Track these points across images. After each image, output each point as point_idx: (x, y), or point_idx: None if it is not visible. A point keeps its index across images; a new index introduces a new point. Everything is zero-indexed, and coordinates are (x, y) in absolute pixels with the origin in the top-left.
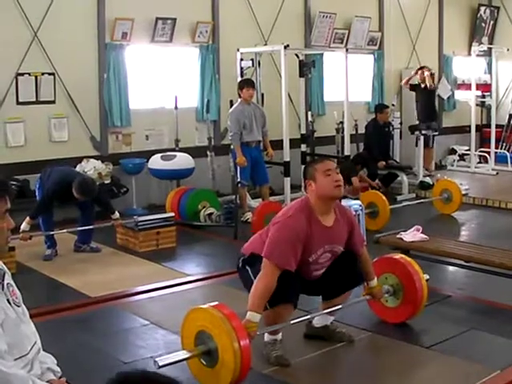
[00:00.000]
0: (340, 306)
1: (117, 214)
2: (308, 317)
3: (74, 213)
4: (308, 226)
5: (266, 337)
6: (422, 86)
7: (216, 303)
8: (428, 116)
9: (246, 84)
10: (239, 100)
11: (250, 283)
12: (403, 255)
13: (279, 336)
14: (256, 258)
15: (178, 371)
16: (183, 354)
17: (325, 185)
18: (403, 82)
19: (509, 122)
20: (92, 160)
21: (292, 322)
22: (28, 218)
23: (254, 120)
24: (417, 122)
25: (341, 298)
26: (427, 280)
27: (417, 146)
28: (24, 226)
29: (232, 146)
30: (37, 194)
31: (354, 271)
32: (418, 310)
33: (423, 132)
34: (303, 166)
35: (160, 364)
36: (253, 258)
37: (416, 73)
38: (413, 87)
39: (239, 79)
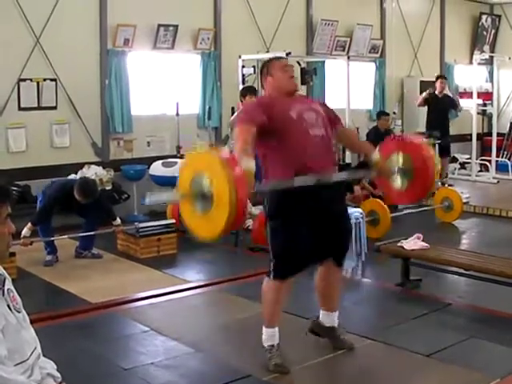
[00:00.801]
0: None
1: (118, 221)
2: None
3: (75, 219)
4: (269, 98)
5: (264, 341)
6: (440, 96)
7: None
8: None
9: (249, 91)
10: (241, 108)
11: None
12: (419, 136)
13: (276, 339)
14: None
15: (176, 372)
16: (176, 194)
17: (281, 78)
18: (418, 102)
19: (510, 130)
20: (93, 166)
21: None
22: (29, 224)
23: None
24: (418, 131)
25: (332, 282)
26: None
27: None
28: (25, 231)
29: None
30: (38, 203)
31: (343, 249)
32: (427, 192)
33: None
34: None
35: (150, 199)
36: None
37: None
38: (426, 101)
39: (241, 86)
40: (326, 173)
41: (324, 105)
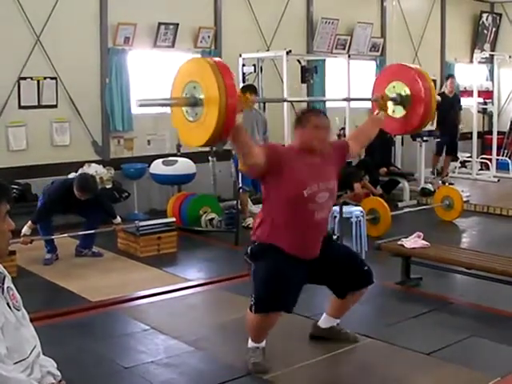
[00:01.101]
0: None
1: (118, 219)
2: None
3: (75, 218)
4: (292, 153)
5: (250, 343)
6: (450, 95)
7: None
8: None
9: (249, 90)
10: None
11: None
12: (417, 66)
13: (263, 344)
14: (260, 251)
15: (177, 371)
16: (168, 99)
17: (309, 135)
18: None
19: (510, 128)
20: (93, 164)
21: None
22: (30, 222)
23: (256, 126)
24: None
25: (353, 300)
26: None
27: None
28: (25, 229)
29: (234, 152)
30: (39, 202)
31: (361, 271)
32: (425, 120)
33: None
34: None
35: (140, 103)
36: (258, 248)
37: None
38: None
39: (241, 85)
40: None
41: (337, 147)
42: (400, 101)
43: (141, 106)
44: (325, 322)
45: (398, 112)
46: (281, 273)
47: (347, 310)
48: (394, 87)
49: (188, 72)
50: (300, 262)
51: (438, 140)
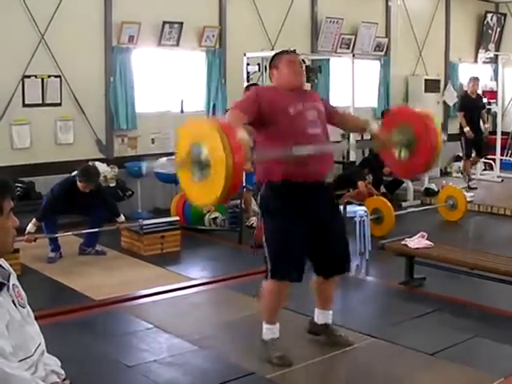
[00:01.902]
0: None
1: (122, 218)
2: None
3: (79, 216)
4: (271, 90)
5: (265, 333)
6: (473, 96)
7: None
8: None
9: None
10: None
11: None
12: (422, 109)
13: (277, 333)
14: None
15: (180, 370)
16: (175, 163)
17: (286, 73)
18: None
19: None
20: (97, 163)
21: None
22: (34, 220)
23: None
24: None
25: (330, 287)
26: (444, 141)
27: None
28: (30, 227)
29: None
30: (43, 200)
31: (342, 256)
32: (430, 164)
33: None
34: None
35: (145, 172)
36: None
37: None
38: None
39: (245, 84)
40: (324, 168)
41: (323, 99)
42: (406, 144)
43: (147, 171)
44: (317, 316)
45: (404, 155)
46: (288, 243)
47: (330, 299)
48: (399, 130)
49: (192, 133)
50: (302, 208)
51: (465, 142)
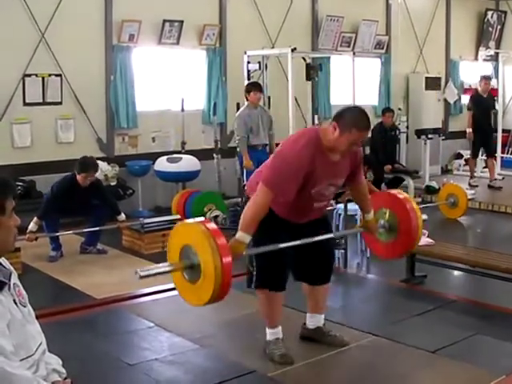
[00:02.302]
0: (331, 235)
1: (123, 216)
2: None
3: (80, 216)
4: (314, 161)
5: (268, 335)
6: (485, 95)
7: (202, 219)
8: (483, 125)
9: (254, 87)
10: (246, 103)
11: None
12: (401, 191)
13: (280, 334)
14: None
15: (181, 368)
16: (166, 266)
17: (344, 143)
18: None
19: None
20: (98, 162)
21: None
22: (35, 219)
23: (261, 123)
24: (423, 127)
25: (320, 294)
26: (424, 220)
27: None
28: (32, 226)
29: (239, 150)
30: (44, 198)
31: (326, 266)
32: (410, 249)
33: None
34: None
35: (141, 274)
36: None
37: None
38: (471, 101)
39: (246, 82)
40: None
41: (356, 158)
42: (388, 228)
43: (141, 278)
44: (309, 320)
45: (384, 237)
46: (275, 254)
47: (321, 303)
48: (382, 213)
49: (182, 235)
50: (289, 226)
51: (473, 141)
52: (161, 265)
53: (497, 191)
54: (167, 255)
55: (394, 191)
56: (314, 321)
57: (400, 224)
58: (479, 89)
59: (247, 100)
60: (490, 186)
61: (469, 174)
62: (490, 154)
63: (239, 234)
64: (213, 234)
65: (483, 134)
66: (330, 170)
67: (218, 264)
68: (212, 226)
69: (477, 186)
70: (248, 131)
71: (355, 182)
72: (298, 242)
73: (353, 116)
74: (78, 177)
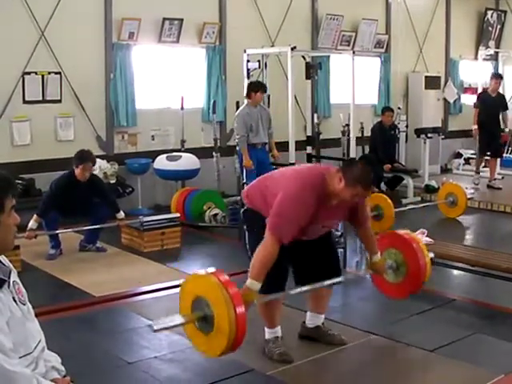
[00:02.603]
0: (340, 279)
1: (122, 214)
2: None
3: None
4: (317, 205)
5: (267, 334)
6: (493, 95)
7: (213, 269)
8: (490, 125)
9: (262, 88)
10: (246, 102)
11: (249, 246)
12: (408, 231)
13: (279, 332)
14: (255, 218)
15: (180, 366)
16: (179, 319)
17: (347, 195)
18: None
19: None
20: (98, 160)
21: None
22: (35, 216)
23: (261, 122)
24: (423, 126)
25: (325, 293)
26: (432, 258)
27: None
28: (32, 224)
29: (238, 148)
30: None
31: (334, 263)
32: (419, 288)
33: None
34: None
35: (155, 328)
36: (252, 215)
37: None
38: (478, 100)
39: (246, 80)
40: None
41: (363, 206)
42: (396, 268)
43: (155, 331)
44: (309, 319)
45: (392, 278)
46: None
47: (323, 304)
48: (389, 253)
49: (194, 286)
50: None
51: (478, 140)
52: (174, 317)
53: (496, 190)
54: (179, 306)
55: (401, 232)
56: (313, 320)
57: (408, 264)
58: (489, 88)
59: (249, 98)
60: (488, 186)
61: (469, 173)
62: (495, 155)
63: (250, 282)
64: (225, 284)
65: (488, 134)
66: (327, 213)
67: (231, 315)
68: (224, 277)
69: (478, 184)
70: (248, 130)
71: (357, 223)
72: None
73: (359, 172)
74: (77, 171)
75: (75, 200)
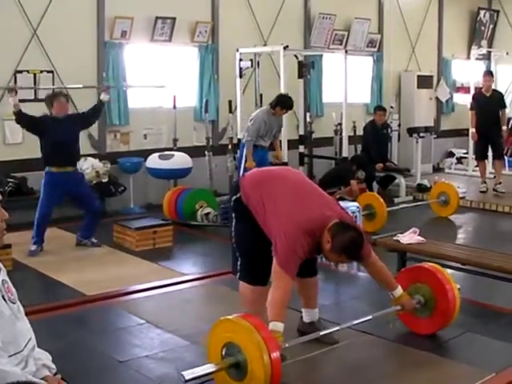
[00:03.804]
0: (369, 317)
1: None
2: (337, 328)
3: (72, 211)
4: (310, 246)
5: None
6: (487, 94)
7: (242, 313)
8: (488, 126)
9: (289, 108)
10: (267, 108)
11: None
12: (433, 264)
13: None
14: (246, 211)
15: (172, 365)
16: (211, 368)
17: (332, 258)
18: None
19: (507, 125)
20: (90, 158)
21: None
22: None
23: (272, 130)
24: (415, 125)
25: (310, 288)
26: (459, 289)
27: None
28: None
29: (240, 146)
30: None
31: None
32: (450, 321)
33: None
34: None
35: (186, 378)
36: (244, 207)
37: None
38: (473, 101)
39: (238, 80)
40: None
41: None
42: (424, 302)
43: (186, 382)
44: (305, 314)
45: (423, 313)
46: (255, 246)
47: (312, 298)
48: (416, 288)
49: (222, 332)
50: None
51: (476, 143)
52: (206, 366)
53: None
54: (207, 353)
55: (427, 265)
56: (309, 315)
57: (437, 299)
58: (483, 88)
59: (273, 109)
60: (493, 190)
61: (461, 172)
62: (497, 156)
63: (272, 324)
64: (257, 328)
65: (484, 137)
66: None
67: (266, 361)
68: (254, 319)
69: (485, 191)
70: (258, 135)
71: (366, 262)
72: None
73: (347, 243)
74: (53, 110)
75: (62, 137)
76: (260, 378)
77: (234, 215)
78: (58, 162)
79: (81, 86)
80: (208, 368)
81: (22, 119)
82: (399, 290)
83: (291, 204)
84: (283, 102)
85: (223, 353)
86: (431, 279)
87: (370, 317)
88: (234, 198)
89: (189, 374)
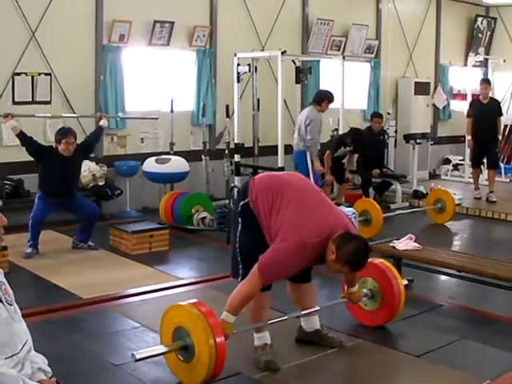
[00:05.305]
0: (317, 308)
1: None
2: (285, 317)
3: (68, 214)
4: (309, 259)
5: (256, 341)
6: (485, 101)
7: (194, 300)
8: (485, 134)
9: (332, 100)
10: (311, 107)
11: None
12: (382, 260)
13: (268, 339)
14: (253, 217)
15: (166, 369)
16: (161, 349)
17: (336, 268)
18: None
19: (503, 133)
20: (86, 161)
21: (270, 322)
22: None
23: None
24: (412, 132)
25: (306, 296)
26: (406, 285)
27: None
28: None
29: (296, 150)
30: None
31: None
32: (394, 315)
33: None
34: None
35: (137, 357)
36: (252, 213)
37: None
38: (470, 109)
39: (236, 84)
40: None
41: None
42: (371, 295)
43: (137, 361)
44: (305, 323)
45: (368, 306)
46: (261, 253)
47: (311, 301)
48: (364, 282)
49: (175, 317)
50: None
51: (472, 150)
52: (156, 347)
53: (483, 196)
54: (160, 337)
55: (376, 260)
56: (310, 324)
57: (382, 291)
58: (481, 96)
59: (319, 106)
60: (486, 199)
61: (457, 179)
62: (491, 166)
63: (225, 314)
64: (205, 314)
65: (480, 145)
66: (313, 261)
67: (211, 345)
68: (205, 307)
69: (480, 198)
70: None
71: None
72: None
73: (351, 253)
74: (60, 146)
75: (64, 175)
76: (205, 360)
77: (240, 220)
78: (56, 195)
79: (77, 114)
80: (158, 349)
81: (28, 144)
82: (355, 288)
83: (296, 215)
84: (329, 97)
85: (174, 336)
86: (379, 274)
87: (317, 308)
88: (242, 203)
89: (140, 354)
